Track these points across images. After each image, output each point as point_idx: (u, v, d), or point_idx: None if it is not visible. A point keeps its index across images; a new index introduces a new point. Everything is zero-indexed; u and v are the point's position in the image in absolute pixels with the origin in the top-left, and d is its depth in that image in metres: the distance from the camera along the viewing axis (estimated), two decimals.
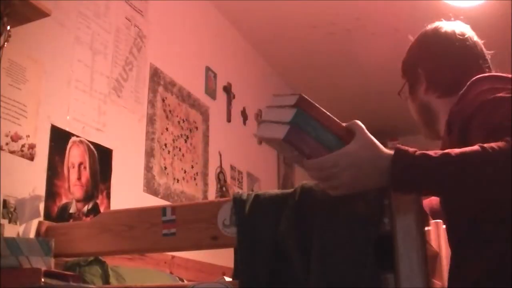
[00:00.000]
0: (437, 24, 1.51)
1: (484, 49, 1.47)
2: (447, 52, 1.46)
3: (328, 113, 1.13)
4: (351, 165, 1.09)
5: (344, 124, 1.15)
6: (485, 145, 1.06)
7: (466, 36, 1.45)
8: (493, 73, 1.38)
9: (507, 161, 1.04)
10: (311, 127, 1.09)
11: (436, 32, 1.49)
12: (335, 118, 1.14)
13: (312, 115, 1.10)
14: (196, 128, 3.24)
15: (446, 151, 1.08)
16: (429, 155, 1.07)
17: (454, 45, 1.45)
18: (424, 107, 1.51)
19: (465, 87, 1.32)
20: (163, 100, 2.93)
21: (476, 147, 1.06)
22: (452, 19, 1.52)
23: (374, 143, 1.11)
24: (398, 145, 1.11)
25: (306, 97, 1.10)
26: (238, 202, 1.51)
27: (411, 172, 1.08)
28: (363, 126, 1.14)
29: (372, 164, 1.09)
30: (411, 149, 1.09)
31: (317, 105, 1.11)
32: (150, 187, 2.72)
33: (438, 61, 1.46)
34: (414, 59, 1.52)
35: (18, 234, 1.84)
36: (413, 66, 1.51)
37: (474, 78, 1.32)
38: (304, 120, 1.09)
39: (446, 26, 1.49)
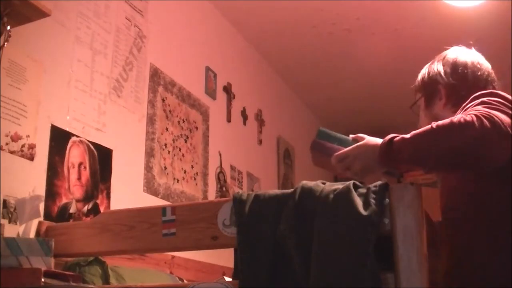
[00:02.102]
0: (457, 49, 1.74)
1: (495, 76, 1.71)
2: (469, 77, 1.67)
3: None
4: (357, 155, 1.45)
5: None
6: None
7: (483, 66, 1.70)
8: (493, 91, 1.55)
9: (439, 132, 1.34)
10: (334, 138, 1.55)
11: (458, 57, 1.71)
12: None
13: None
14: (196, 128, 3.24)
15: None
16: (401, 137, 1.39)
17: (475, 73, 1.68)
18: (437, 120, 1.56)
19: (468, 100, 1.51)
20: (163, 100, 2.93)
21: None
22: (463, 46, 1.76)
23: (375, 139, 1.46)
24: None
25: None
26: (238, 202, 1.51)
27: (390, 150, 1.39)
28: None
29: (371, 151, 1.43)
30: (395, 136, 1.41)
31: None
32: (150, 187, 2.72)
33: (460, 83, 1.67)
34: (437, 77, 1.70)
35: (18, 234, 1.84)
36: (434, 83, 1.71)
37: (477, 93, 1.51)
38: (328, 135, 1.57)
39: (466, 53, 1.72)
